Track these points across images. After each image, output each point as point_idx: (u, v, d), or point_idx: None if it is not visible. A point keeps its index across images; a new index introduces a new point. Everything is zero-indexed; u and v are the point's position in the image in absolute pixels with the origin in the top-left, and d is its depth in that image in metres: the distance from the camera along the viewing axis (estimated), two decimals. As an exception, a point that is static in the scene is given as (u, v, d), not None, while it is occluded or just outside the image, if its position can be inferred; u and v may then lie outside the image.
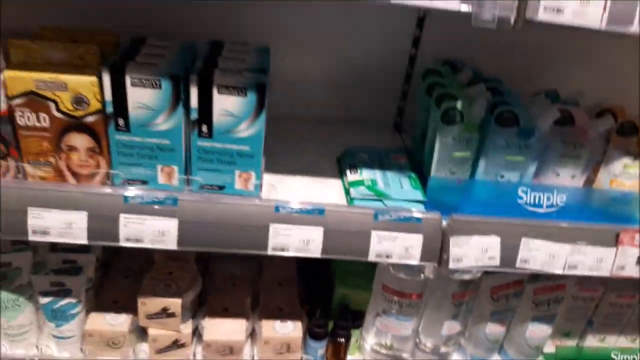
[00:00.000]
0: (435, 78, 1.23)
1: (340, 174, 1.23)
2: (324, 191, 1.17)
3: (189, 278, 1.31)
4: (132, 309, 1.29)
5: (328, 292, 1.40)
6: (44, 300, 1.24)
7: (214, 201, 1.03)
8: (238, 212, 1.04)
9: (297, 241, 1.03)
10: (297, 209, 1.03)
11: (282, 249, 1.03)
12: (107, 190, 1.02)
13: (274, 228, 1.03)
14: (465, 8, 0.84)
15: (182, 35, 1.14)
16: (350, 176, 1.17)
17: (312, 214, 1.03)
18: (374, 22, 1.39)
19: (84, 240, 1.03)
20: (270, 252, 1.04)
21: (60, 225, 1.01)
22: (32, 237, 1.02)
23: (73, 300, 1.25)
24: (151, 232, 1.02)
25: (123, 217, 1.01)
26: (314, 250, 1.03)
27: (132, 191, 1.02)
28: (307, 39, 1.39)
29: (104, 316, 1.30)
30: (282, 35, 1.36)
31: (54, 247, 1.32)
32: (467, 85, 1.27)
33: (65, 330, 1.28)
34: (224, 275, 1.46)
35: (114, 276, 1.41)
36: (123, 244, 1.03)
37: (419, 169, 1.21)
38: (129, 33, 1.10)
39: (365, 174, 1.17)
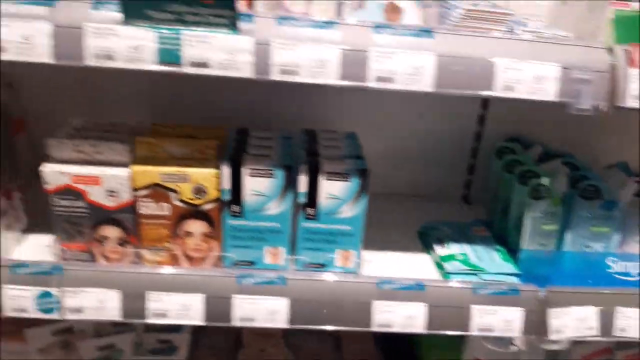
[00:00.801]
0: (511, 156, 1.30)
1: (427, 248, 1.28)
2: (413, 266, 1.22)
3: (281, 355, 1.35)
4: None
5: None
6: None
7: (318, 279, 1.09)
8: (341, 290, 1.09)
9: (400, 317, 1.08)
10: (399, 285, 1.08)
11: (388, 326, 1.08)
12: (222, 272, 1.09)
13: (376, 305, 1.08)
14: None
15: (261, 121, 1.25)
16: (440, 250, 1.22)
17: (413, 290, 1.08)
18: (444, 104, 1.49)
19: (200, 321, 1.08)
20: (375, 328, 1.08)
21: (177, 307, 1.07)
22: (151, 320, 1.08)
23: (172, 380, 1.29)
24: (264, 311, 1.07)
25: (237, 298, 1.07)
26: (418, 326, 1.07)
27: (244, 271, 1.08)
28: (383, 122, 1.49)
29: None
30: (362, 120, 1.46)
31: (148, 327, 1.38)
32: (538, 160, 1.34)
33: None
34: (304, 350, 1.49)
35: (203, 356, 1.45)
36: (236, 323, 1.08)
37: (502, 241, 1.26)
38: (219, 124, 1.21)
39: (454, 248, 1.22)
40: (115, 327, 1.31)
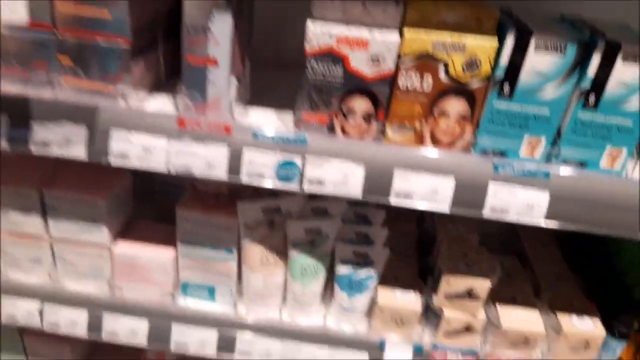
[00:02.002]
0: None
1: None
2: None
3: (486, 260, 1.27)
4: (418, 287, 1.27)
5: (614, 284, 1.33)
6: (344, 269, 1.24)
7: (585, 178, 0.98)
8: (608, 192, 0.98)
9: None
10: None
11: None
12: (476, 158, 1.00)
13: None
14: None
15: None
16: None
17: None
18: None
19: (445, 208, 1.01)
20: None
21: (424, 190, 1.00)
22: (394, 200, 1.01)
23: (372, 272, 1.24)
24: (520, 204, 0.98)
25: (492, 186, 0.98)
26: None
27: (502, 160, 0.99)
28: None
29: (394, 292, 1.28)
30: None
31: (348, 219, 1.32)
32: None
33: (356, 301, 1.27)
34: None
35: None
36: (487, 214, 1.00)
37: None
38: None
39: None
40: (319, 214, 1.26)
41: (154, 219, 1.38)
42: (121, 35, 0.96)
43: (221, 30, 0.91)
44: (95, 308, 1.29)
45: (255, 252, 1.23)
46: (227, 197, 1.23)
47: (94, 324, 1.30)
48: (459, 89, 0.96)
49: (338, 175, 1.01)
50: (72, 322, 1.30)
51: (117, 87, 1.00)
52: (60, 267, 1.31)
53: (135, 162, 1.03)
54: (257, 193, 1.23)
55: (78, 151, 1.01)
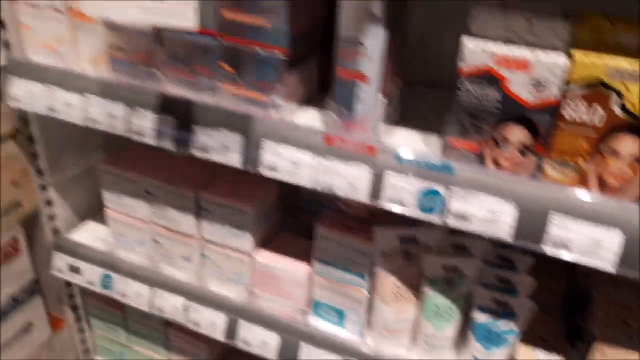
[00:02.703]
0: None
1: None
2: None
3: None
4: (563, 350, 1.11)
5: None
6: (482, 317, 1.13)
7: None
8: None
9: None
10: None
11: None
12: (652, 209, 0.85)
13: None
14: None
15: None
16: None
17: None
18: None
19: (608, 267, 0.87)
20: None
21: (584, 242, 0.87)
22: (549, 248, 0.90)
23: (513, 326, 1.12)
24: None
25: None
26: None
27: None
28: None
29: (536, 352, 1.14)
30: None
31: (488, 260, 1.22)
32: None
33: (493, 356, 1.15)
34: None
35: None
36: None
37: None
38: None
39: None
40: (459, 251, 1.18)
41: (298, 233, 1.40)
42: (279, 45, 1.00)
43: (374, 45, 0.90)
44: (234, 312, 1.34)
45: (388, 282, 1.18)
46: (367, 221, 1.21)
47: (231, 329, 1.35)
48: (635, 125, 0.83)
49: (486, 212, 0.93)
50: (212, 323, 1.37)
51: (271, 97, 1.04)
52: (206, 268, 1.40)
53: (284, 175, 1.06)
54: (396, 220, 1.19)
55: (233, 159, 1.07)
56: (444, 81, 1.00)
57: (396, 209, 0.99)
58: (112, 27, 1.11)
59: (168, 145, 1.12)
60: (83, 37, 1.21)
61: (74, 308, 1.75)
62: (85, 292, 1.69)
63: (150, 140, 1.13)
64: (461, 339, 1.22)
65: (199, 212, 1.33)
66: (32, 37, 1.25)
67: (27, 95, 1.22)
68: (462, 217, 0.94)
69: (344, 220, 1.24)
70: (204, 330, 1.39)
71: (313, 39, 1.12)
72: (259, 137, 1.05)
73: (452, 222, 0.95)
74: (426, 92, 1.25)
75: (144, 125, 1.13)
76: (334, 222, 1.23)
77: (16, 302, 1.52)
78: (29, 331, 1.60)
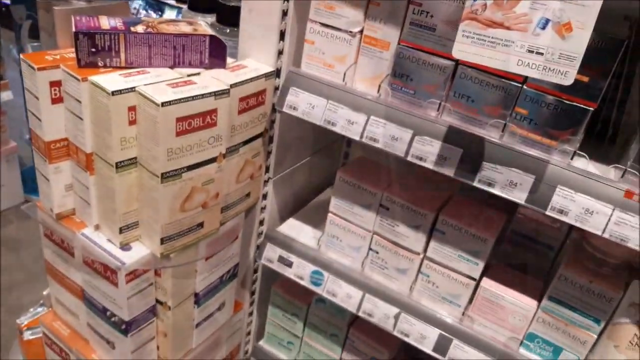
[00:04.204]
0: None
1: None
2: None
3: None
4: None
5: None
6: None
7: None
8: None
9: None
10: None
11: None
12: None
13: None
14: None
15: None
16: None
17: None
18: None
19: None
20: None
21: None
22: None
23: None
24: None
25: None
26: None
27: None
28: None
29: None
30: None
31: None
32: None
33: None
34: None
35: None
36: None
37: None
38: None
39: None
40: None
41: (514, 266, 1.45)
42: (589, 100, 1.05)
43: None
44: (447, 330, 1.40)
45: (629, 332, 1.22)
46: (613, 266, 1.24)
47: (441, 346, 1.41)
48: None
49: None
50: (422, 336, 1.43)
51: (562, 145, 1.10)
52: (420, 283, 1.46)
53: (572, 219, 1.10)
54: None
55: (519, 196, 1.13)
56: None
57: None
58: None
59: (448, 172, 1.18)
60: (364, 60, 1.28)
61: (251, 293, 1.85)
62: (269, 281, 1.79)
63: (429, 165, 1.20)
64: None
65: (432, 232, 1.39)
66: (311, 51, 1.33)
67: (307, 106, 1.30)
68: None
69: (587, 263, 1.28)
70: (412, 341, 1.45)
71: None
72: (552, 181, 1.10)
73: None
74: None
75: (427, 151, 1.19)
76: (577, 264, 1.27)
77: (221, 282, 1.63)
78: (221, 310, 1.71)
